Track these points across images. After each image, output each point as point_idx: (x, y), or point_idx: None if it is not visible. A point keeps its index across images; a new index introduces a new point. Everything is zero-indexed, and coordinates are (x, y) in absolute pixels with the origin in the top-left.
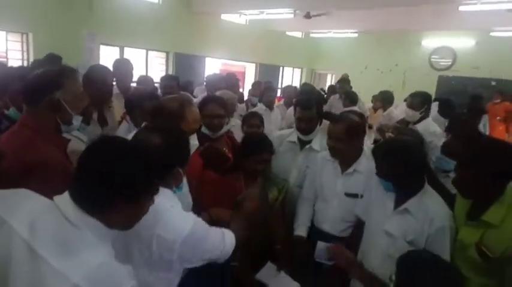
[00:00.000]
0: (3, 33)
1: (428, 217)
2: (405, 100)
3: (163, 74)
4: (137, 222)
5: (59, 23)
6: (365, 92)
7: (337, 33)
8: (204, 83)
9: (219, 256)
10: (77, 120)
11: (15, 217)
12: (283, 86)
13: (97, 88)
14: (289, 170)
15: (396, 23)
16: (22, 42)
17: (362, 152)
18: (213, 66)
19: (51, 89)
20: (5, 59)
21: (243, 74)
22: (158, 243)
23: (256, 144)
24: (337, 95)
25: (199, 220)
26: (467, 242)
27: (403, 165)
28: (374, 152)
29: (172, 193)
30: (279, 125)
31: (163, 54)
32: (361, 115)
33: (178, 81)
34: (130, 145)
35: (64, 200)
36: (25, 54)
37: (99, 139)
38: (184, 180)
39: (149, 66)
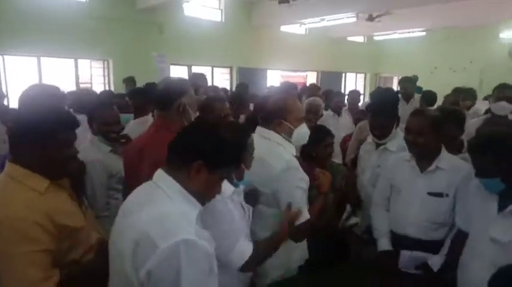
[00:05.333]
0: (88, 61)
1: None
2: (485, 98)
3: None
4: (209, 198)
5: (133, 49)
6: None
7: (402, 33)
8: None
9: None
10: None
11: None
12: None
13: None
14: (364, 170)
15: (469, 18)
16: (104, 68)
17: (442, 149)
18: (274, 77)
19: (179, 95)
20: (89, 85)
21: (304, 83)
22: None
23: (321, 131)
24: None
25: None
26: None
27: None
28: (474, 146)
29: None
30: (348, 130)
31: (227, 70)
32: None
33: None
34: (216, 127)
35: (158, 171)
36: (106, 78)
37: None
38: None
39: (215, 81)
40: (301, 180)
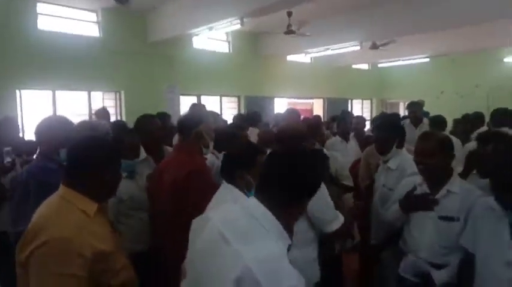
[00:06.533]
0: (100, 93)
1: None
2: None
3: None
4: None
5: (144, 80)
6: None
7: (406, 60)
8: (274, 122)
9: None
10: (211, 144)
11: (216, 215)
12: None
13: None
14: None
15: (472, 43)
16: (116, 99)
17: (453, 172)
18: (281, 105)
19: (197, 124)
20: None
21: (311, 110)
22: None
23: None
24: (408, 120)
25: None
26: None
27: None
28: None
29: None
30: (356, 155)
31: (235, 99)
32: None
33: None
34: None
35: (252, 200)
36: (118, 109)
37: (288, 151)
38: None
39: (223, 109)
40: (328, 195)
